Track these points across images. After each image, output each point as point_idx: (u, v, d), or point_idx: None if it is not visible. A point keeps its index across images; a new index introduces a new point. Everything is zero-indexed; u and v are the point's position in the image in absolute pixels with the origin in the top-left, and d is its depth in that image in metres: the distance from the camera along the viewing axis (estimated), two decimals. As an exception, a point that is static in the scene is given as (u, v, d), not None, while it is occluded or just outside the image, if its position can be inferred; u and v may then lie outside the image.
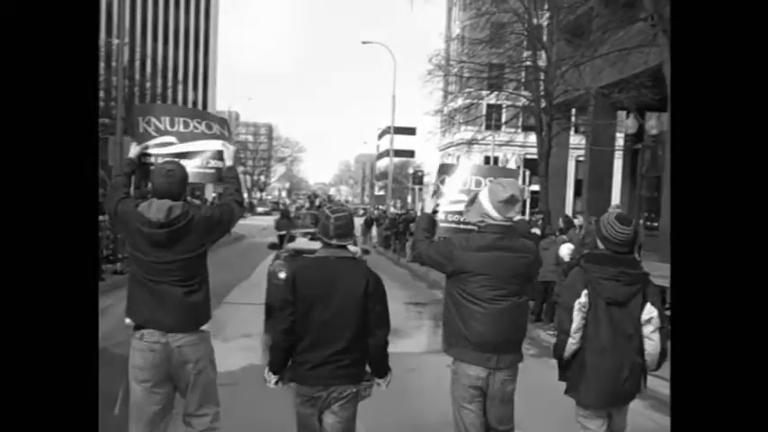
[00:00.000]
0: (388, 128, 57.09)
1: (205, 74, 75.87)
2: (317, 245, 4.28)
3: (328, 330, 3.89)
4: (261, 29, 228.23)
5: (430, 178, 62.52)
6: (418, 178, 44.83)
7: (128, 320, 4.16)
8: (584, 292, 4.01)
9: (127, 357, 4.15)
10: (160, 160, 4.55)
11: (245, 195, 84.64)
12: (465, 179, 4.97)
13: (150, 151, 4.65)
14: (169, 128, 4.68)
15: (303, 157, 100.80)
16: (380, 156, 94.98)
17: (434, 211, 4.79)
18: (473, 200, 4.35)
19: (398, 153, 47.34)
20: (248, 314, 11.80)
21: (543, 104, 21.22)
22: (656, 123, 18.12)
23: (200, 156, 4.68)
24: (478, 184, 4.89)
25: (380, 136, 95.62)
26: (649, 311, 3.98)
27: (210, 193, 49.79)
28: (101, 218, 10.22)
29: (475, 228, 4.37)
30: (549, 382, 4.90)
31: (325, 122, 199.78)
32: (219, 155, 4.70)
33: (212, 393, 4.22)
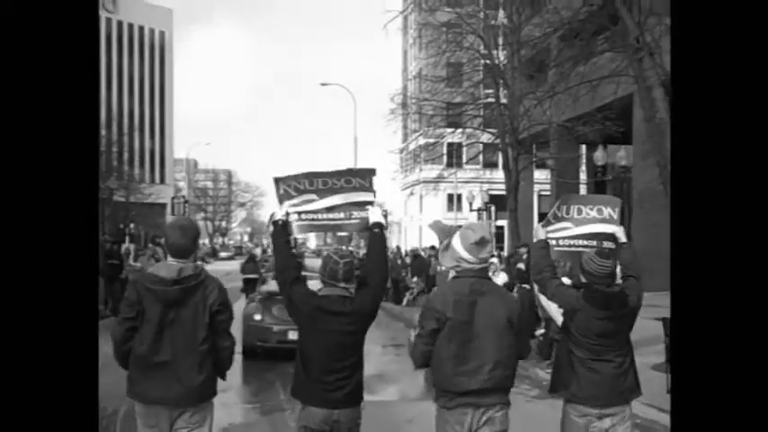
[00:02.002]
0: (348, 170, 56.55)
1: (162, 122, 75.19)
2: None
3: (333, 358, 4.19)
4: (217, 75, 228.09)
5: (392, 217, 62.48)
6: (384, 212, 44.46)
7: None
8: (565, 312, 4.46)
9: None
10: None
11: (206, 241, 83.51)
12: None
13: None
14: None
15: (263, 201, 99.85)
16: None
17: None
18: (447, 245, 4.42)
19: (360, 194, 47.02)
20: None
21: (508, 140, 21.25)
22: (625, 155, 18.28)
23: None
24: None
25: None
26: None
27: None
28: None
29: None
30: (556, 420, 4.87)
31: (286, 165, 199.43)
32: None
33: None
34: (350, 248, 42.10)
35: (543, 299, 4.59)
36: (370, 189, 4.80)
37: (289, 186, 4.81)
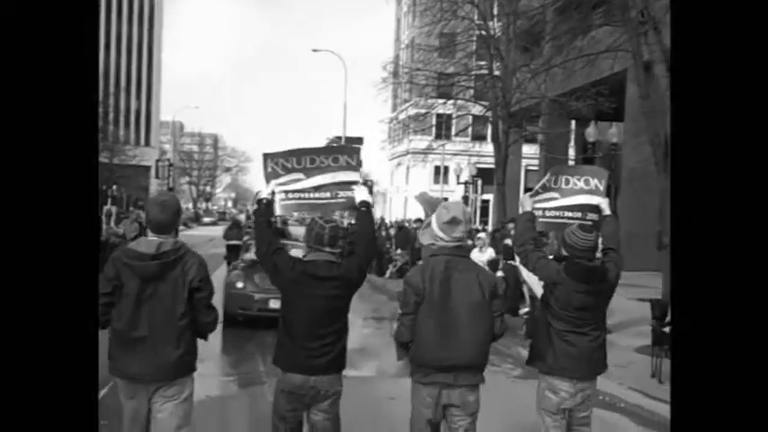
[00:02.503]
0: (337, 137, 56.54)
1: (149, 83, 74.06)
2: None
3: (316, 324, 4.20)
4: (207, 38, 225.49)
5: (379, 188, 62.22)
6: (368, 187, 44.26)
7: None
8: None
9: None
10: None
11: (190, 206, 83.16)
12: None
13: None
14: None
15: (249, 167, 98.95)
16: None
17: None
18: (429, 223, 4.52)
19: (348, 163, 46.84)
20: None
21: (499, 113, 20.99)
22: (617, 132, 18.06)
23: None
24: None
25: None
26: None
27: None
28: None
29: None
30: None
31: (272, 132, 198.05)
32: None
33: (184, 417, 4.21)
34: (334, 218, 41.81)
35: (524, 271, 4.75)
36: (356, 168, 4.88)
37: (276, 164, 4.85)
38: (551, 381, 4.56)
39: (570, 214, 5.08)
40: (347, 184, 4.81)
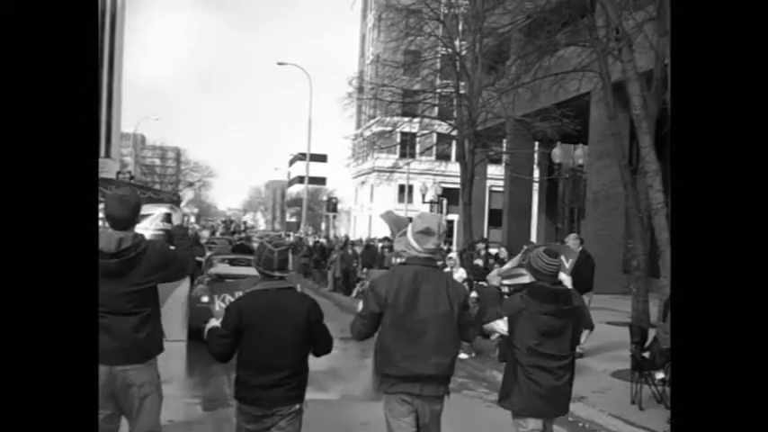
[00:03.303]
0: (300, 154, 56.18)
1: (109, 94, 72.76)
2: (238, 269, 5.22)
3: (275, 356, 4.14)
4: (170, 49, 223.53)
5: (343, 205, 62.00)
6: (332, 205, 44.18)
7: None
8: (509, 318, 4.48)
9: None
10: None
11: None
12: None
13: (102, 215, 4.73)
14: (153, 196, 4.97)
15: (213, 182, 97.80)
16: (291, 182, 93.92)
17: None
18: (404, 233, 4.54)
19: (311, 180, 46.78)
20: (164, 356, 10.62)
21: (465, 131, 21.00)
22: (582, 153, 18.16)
23: (148, 219, 4.88)
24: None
25: (291, 162, 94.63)
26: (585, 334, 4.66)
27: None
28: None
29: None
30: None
31: (235, 147, 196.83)
32: (168, 217, 4.93)
33: (156, 412, 4.26)
34: (297, 235, 41.75)
35: (494, 325, 4.61)
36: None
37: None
38: (519, 421, 4.59)
39: None
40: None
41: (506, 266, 5.33)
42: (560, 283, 4.64)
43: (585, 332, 4.90)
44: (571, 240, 11.23)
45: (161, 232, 4.91)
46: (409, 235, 4.40)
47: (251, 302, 4.26)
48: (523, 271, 5.02)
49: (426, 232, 4.33)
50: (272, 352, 4.15)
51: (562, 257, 5.07)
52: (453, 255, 14.23)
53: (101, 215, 4.51)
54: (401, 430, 4.31)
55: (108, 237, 4.04)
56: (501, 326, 4.55)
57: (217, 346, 4.24)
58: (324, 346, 4.45)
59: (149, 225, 4.91)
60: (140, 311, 4.14)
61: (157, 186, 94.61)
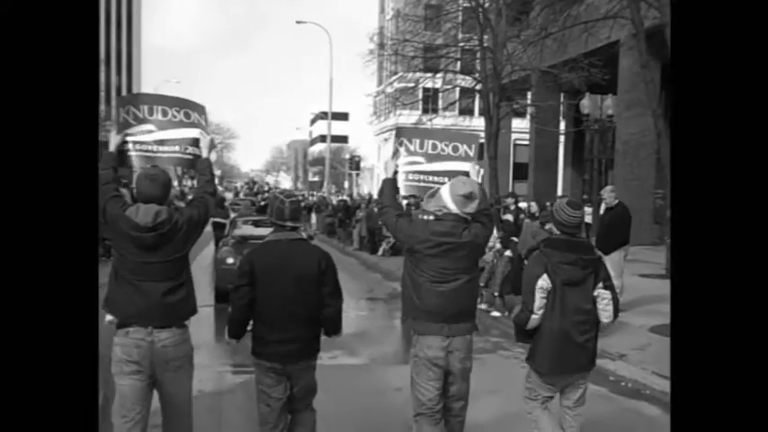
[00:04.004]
0: (322, 113, 55.85)
1: (129, 57, 72.73)
2: (261, 231, 5.05)
3: (287, 309, 4.32)
4: (188, 10, 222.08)
5: (366, 163, 61.72)
6: (355, 163, 43.91)
7: (108, 317, 4.26)
8: (545, 275, 4.44)
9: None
10: (138, 147, 4.79)
11: (175, 184, 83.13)
12: (422, 141, 5.16)
13: (129, 139, 4.78)
14: (148, 116, 4.84)
15: (235, 143, 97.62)
16: (313, 141, 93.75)
17: (395, 172, 5.04)
18: (434, 193, 4.59)
19: (333, 138, 46.47)
20: (192, 321, 10.57)
21: (490, 85, 20.53)
22: (612, 103, 17.65)
23: (177, 143, 4.84)
24: (434, 147, 5.10)
25: (313, 121, 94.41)
26: (601, 291, 4.51)
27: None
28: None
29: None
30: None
31: (257, 107, 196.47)
32: (196, 142, 4.84)
33: (188, 383, 4.41)
34: (319, 193, 41.63)
35: (533, 322, 4.56)
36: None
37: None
38: (536, 379, 4.71)
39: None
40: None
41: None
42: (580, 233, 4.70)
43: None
44: (607, 192, 10.93)
45: (190, 157, 4.86)
46: (447, 197, 4.44)
47: (262, 252, 4.44)
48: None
49: (469, 197, 4.40)
50: (285, 301, 4.31)
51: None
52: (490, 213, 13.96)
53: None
54: (426, 374, 4.47)
55: (145, 211, 4.17)
56: (534, 321, 4.54)
57: (235, 299, 4.41)
58: (332, 302, 4.51)
59: (179, 149, 4.83)
60: (175, 278, 4.28)
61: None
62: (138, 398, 4.20)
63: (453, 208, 4.41)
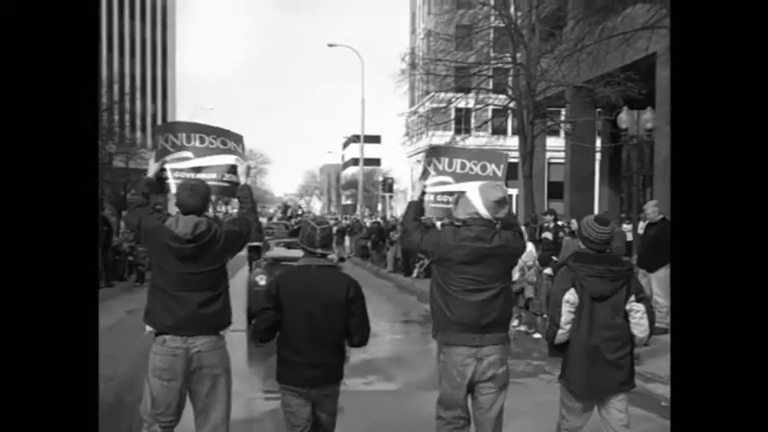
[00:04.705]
0: (354, 136, 55.86)
1: (164, 85, 73.71)
2: (294, 252, 4.79)
3: (313, 334, 4.28)
4: (220, 38, 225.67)
5: (399, 186, 61.53)
6: (388, 185, 43.59)
7: (148, 328, 4.36)
8: (572, 289, 4.38)
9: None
10: (176, 174, 4.85)
11: (210, 210, 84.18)
12: (451, 160, 5.10)
13: (167, 166, 4.87)
14: (185, 143, 4.90)
15: (267, 168, 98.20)
16: (346, 165, 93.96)
17: (423, 193, 4.99)
18: (458, 199, 4.58)
19: (365, 161, 46.36)
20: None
21: (524, 102, 20.21)
22: (652, 117, 17.22)
23: (215, 170, 4.90)
24: (463, 166, 5.04)
25: (345, 145, 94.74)
26: (634, 305, 4.38)
27: (173, 208, 48.30)
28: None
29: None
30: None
31: (289, 132, 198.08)
32: (233, 169, 4.91)
33: (225, 398, 4.46)
34: (353, 217, 41.48)
35: (561, 337, 4.51)
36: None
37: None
38: (568, 400, 4.59)
39: None
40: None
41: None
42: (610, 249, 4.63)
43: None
44: (651, 207, 10.50)
45: (227, 184, 4.93)
46: (478, 204, 4.42)
47: (290, 277, 4.44)
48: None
49: (501, 202, 4.42)
50: (311, 327, 4.27)
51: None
52: (522, 229, 13.62)
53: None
54: (452, 379, 4.43)
55: (185, 222, 4.25)
56: (562, 336, 4.48)
57: (260, 321, 4.42)
58: (360, 331, 4.45)
59: (216, 176, 4.92)
60: (212, 288, 4.36)
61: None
62: (172, 403, 4.29)
63: (485, 213, 4.41)
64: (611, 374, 4.37)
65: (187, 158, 4.89)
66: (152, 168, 4.84)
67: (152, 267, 4.48)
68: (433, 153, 5.18)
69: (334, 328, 4.35)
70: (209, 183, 4.81)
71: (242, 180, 4.88)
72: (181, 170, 4.86)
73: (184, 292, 4.27)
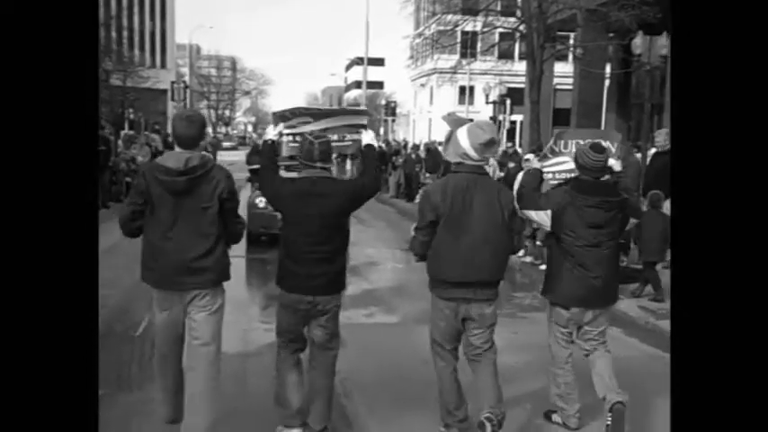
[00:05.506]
0: (358, 58, 54.83)
1: (162, 2, 71.92)
2: (293, 174, 4.69)
3: (314, 242, 4.37)
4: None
5: (402, 109, 60.68)
6: (391, 109, 42.83)
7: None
8: (549, 212, 4.59)
9: None
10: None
11: (210, 131, 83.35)
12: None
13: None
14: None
15: (269, 89, 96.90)
16: (348, 87, 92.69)
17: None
18: (449, 139, 4.58)
19: (368, 84, 45.53)
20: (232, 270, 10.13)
21: (534, 25, 19.54)
22: (667, 42, 16.62)
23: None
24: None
25: (348, 67, 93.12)
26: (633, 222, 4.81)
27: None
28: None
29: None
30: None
31: (291, 53, 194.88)
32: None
33: (215, 330, 4.40)
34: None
35: (533, 213, 4.71)
36: (364, 112, 5.14)
37: (284, 112, 5.01)
38: (560, 310, 4.83)
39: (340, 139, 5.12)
40: (355, 127, 5.01)
41: (545, 154, 5.30)
42: (611, 172, 4.83)
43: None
44: (662, 135, 10.09)
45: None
46: (465, 144, 4.42)
47: (289, 185, 4.52)
48: (566, 158, 5.08)
49: (489, 143, 4.41)
50: (311, 231, 4.36)
51: (608, 143, 5.04)
52: (531, 156, 13.25)
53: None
54: (440, 329, 4.61)
55: (176, 156, 4.21)
56: (543, 218, 4.66)
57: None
58: (369, 184, 4.65)
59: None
60: (209, 232, 4.24)
61: (214, 96, 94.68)
62: (172, 334, 4.32)
63: (474, 154, 4.42)
64: (606, 288, 4.69)
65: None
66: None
67: (146, 216, 4.28)
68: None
69: (332, 232, 4.46)
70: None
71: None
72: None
73: (180, 235, 4.24)
